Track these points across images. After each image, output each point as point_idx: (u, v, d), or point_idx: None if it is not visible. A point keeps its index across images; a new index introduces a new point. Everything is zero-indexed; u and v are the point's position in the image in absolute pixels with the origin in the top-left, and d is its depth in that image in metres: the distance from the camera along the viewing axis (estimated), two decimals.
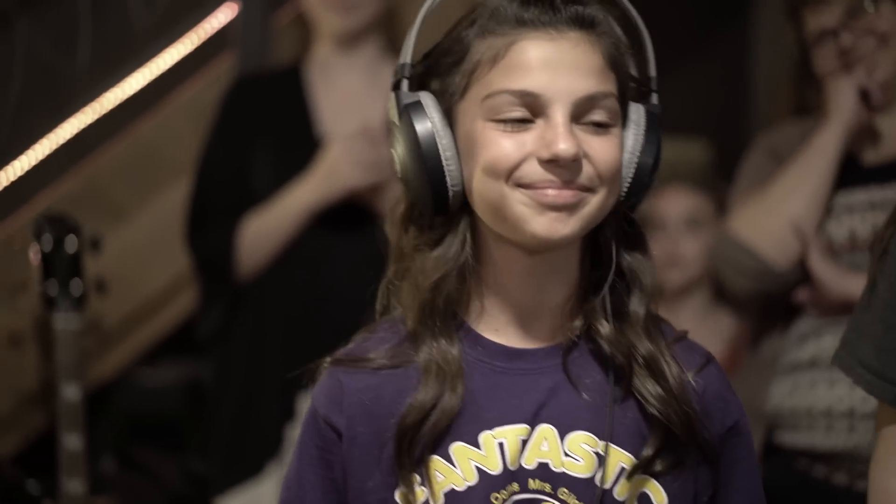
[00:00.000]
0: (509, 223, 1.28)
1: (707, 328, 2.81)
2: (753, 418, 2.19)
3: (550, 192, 1.25)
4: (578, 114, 1.26)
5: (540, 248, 1.29)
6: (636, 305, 1.32)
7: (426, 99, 1.30)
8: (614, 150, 1.28)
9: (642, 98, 1.34)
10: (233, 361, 2.61)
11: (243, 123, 2.59)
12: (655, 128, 1.33)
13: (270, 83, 2.69)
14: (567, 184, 1.25)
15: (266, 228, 2.52)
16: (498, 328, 1.33)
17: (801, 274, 2.20)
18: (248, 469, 2.51)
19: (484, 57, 1.28)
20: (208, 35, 3.22)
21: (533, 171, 1.26)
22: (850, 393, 2.10)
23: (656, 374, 1.30)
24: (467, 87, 1.29)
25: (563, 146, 1.24)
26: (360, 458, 1.32)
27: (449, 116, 1.30)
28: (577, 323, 1.32)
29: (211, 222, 2.57)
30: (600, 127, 1.27)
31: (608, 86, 1.28)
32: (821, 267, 2.17)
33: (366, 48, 2.61)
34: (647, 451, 1.29)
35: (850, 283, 2.13)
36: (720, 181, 2.93)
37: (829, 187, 2.20)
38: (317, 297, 2.51)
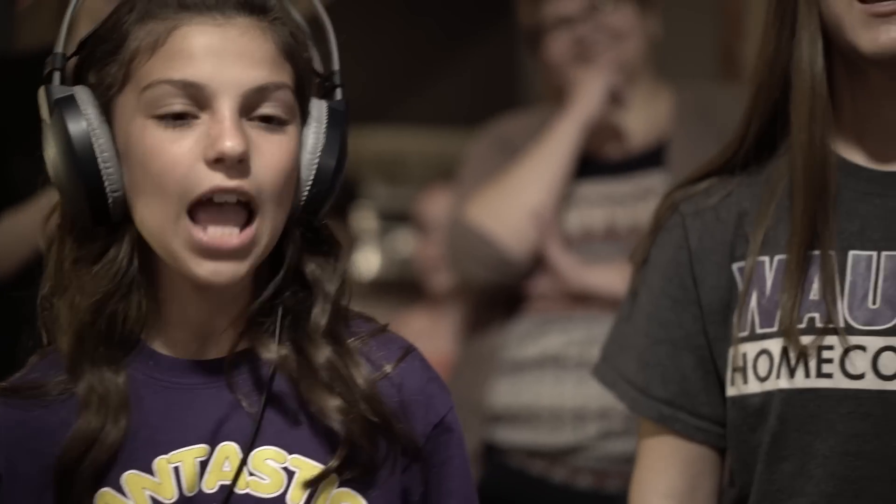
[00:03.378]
0: (171, 258, 1.18)
1: None
2: (470, 413, 2.17)
3: (213, 232, 1.15)
4: (248, 107, 1.16)
5: (204, 288, 1.19)
6: (317, 315, 1.23)
7: (81, 94, 1.19)
8: (288, 150, 1.19)
9: (327, 94, 1.26)
10: None
11: None
12: (340, 126, 1.24)
13: (29, 68, 2.47)
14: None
15: (24, 227, 2.28)
16: (175, 342, 1.23)
17: (533, 266, 2.23)
18: None
19: (143, 44, 1.16)
20: None
21: (202, 178, 1.15)
22: (577, 390, 2.14)
23: (337, 381, 1.21)
24: (126, 78, 1.17)
25: (230, 143, 1.13)
26: (21, 502, 1.20)
27: (107, 112, 1.19)
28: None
29: None
30: (273, 123, 1.18)
31: (282, 77, 1.19)
32: (560, 257, 2.20)
33: None
34: (333, 462, 1.20)
35: (587, 274, 2.20)
36: None
37: (568, 177, 2.24)
38: None
